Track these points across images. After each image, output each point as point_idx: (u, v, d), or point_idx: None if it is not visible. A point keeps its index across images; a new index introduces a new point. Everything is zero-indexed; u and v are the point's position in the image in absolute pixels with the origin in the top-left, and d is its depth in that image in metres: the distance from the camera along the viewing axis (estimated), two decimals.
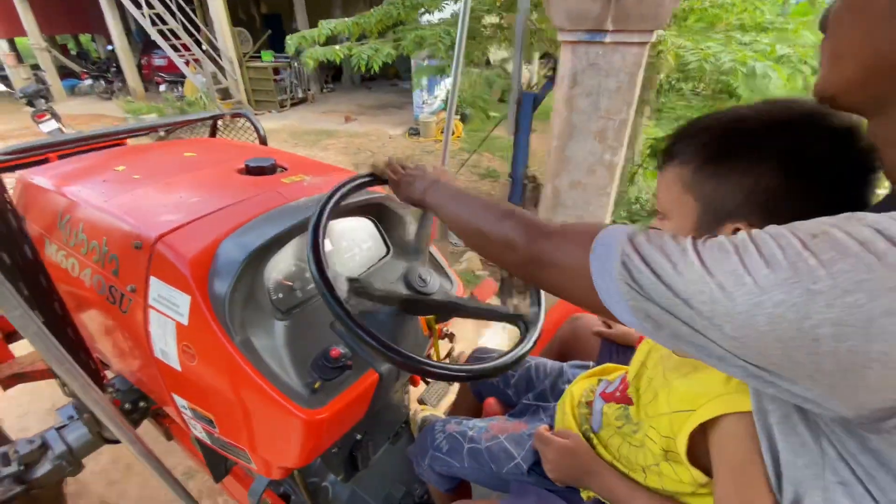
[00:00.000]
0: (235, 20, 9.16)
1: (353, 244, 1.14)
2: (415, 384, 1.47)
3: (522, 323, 0.86)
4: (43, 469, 1.21)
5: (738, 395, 0.56)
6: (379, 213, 1.20)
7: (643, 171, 3.70)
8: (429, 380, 1.61)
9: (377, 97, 10.90)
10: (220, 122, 1.96)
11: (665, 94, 3.57)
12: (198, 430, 1.01)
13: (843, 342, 0.34)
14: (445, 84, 8.13)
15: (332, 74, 12.10)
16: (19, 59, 10.66)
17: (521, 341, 0.85)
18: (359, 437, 1.17)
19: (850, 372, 0.35)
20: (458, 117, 7.41)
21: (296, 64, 9.77)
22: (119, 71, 10.86)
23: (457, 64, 1.63)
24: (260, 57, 9.55)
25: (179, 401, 0.97)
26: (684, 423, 0.62)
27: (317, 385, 0.85)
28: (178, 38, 8.38)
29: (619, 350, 1.12)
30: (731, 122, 0.55)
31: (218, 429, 0.94)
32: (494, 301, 2.96)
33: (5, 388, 1.51)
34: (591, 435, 0.85)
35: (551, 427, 0.94)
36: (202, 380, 0.90)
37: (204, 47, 8.59)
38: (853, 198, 0.50)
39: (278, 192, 1.08)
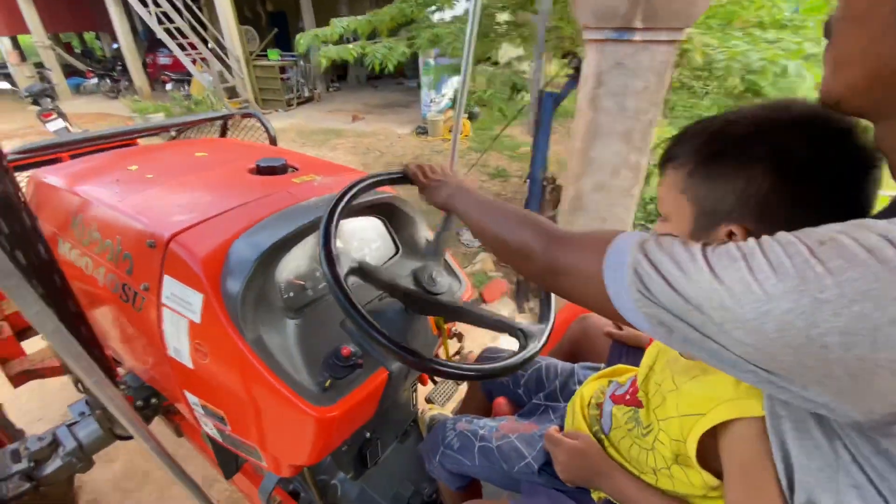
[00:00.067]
0: (241, 18, 9.24)
1: (363, 243, 1.16)
2: (423, 383, 1.49)
3: (522, 334, 0.86)
4: (53, 466, 1.24)
5: (748, 399, 0.57)
6: (388, 213, 1.22)
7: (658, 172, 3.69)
8: (437, 379, 1.63)
9: (383, 96, 10.95)
10: (229, 122, 2.00)
11: (675, 91, 3.55)
12: (209, 428, 1.03)
13: (851, 350, 0.35)
14: (451, 82, 8.15)
15: (337, 73, 12.17)
16: (22, 56, 10.76)
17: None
18: (368, 435, 1.19)
19: (859, 378, 0.35)
20: (466, 116, 7.42)
21: (302, 62, 9.84)
22: (125, 69, 10.97)
23: (466, 62, 1.65)
24: (266, 55, 9.62)
25: (191, 398, 1.00)
26: (694, 426, 0.62)
27: (328, 383, 0.87)
28: (184, 36, 8.46)
29: (630, 351, 1.13)
30: (723, 126, 0.56)
31: (229, 426, 0.96)
32: (507, 302, 2.98)
33: (17, 384, 1.55)
34: (602, 436, 0.85)
35: (561, 427, 0.95)
36: (214, 377, 0.92)
37: (210, 46, 8.67)
38: (852, 200, 0.51)
39: (289, 191, 1.10)
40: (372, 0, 10.81)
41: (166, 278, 0.94)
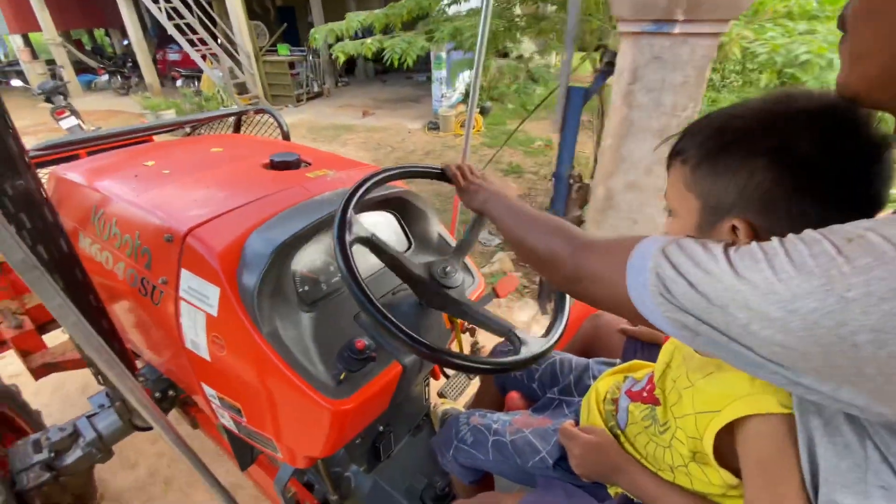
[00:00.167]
0: (250, 13, 9.33)
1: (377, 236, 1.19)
2: (435, 377, 1.52)
3: (517, 338, 0.85)
4: (73, 456, 1.29)
5: (763, 395, 0.58)
6: (401, 208, 1.24)
7: None
8: (449, 373, 1.65)
9: (393, 90, 10.99)
10: (242, 119, 2.04)
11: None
12: (225, 419, 1.07)
13: (883, 348, 0.34)
14: (462, 77, 8.14)
15: (345, 68, 12.24)
16: (34, 54, 10.98)
17: (546, 335, 0.88)
18: (381, 428, 1.22)
19: (894, 376, 0.35)
20: (478, 110, 7.41)
21: (311, 57, 9.91)
22: (135, 66, 11.15)
23: (479, 56, 1.67)
24: (276, 51, 9.71)
25: (208, 390, 1.03)
26: (709, 423, 0.63)
27: (342, 376, 0.89)
28: (194, 32, 8.56)
29: (644, 347, 1.14)
30: (727, 119, 0.57)
31: (245, 418, 1.00)
32: (530, 303, 2.98)
33: (38, 377, 1.62)
34: (618, 432, 0.86)
35: (576, 422, 0.96)
36: (231, 370, 0.95)
37: (220, 41, 8.75)
38: (860, 194, 0.50)
39: (303, 186, 1.13)
40: None
41: (184, 272, 0.97)
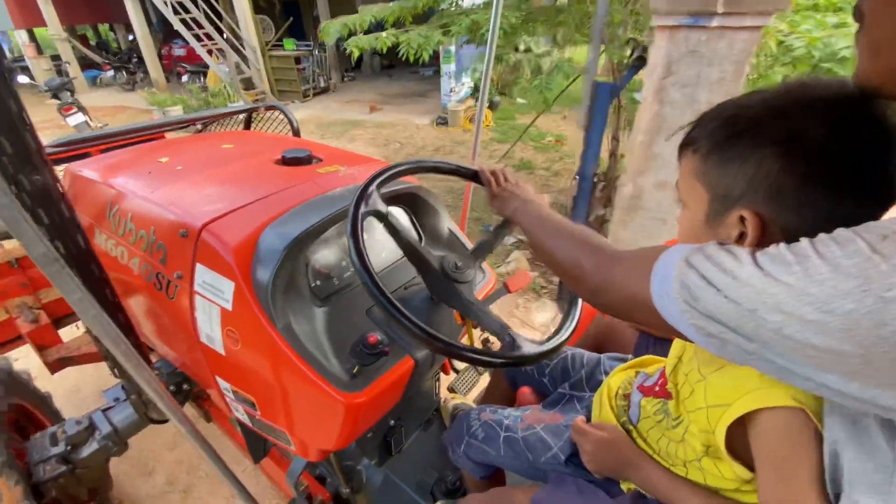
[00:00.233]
0: (256, 7, 9.37)
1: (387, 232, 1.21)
2: (446, 372, 1.54)
3: (509, 337, 0.86)
4: (89, 449, 1.33)
5: (774, 389, 0.58)
6: (412, 203, 1.26)
7: None
8: (459, 368, 1.68)
9: (400, 85, 11.00)
10: (253, 115, 2.08)
11: None
12: (240, 413, 1.09)
13: None
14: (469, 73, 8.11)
15: (352, 63, 12.26)
16: (39, 50, 11.07)
17: (559, 330, 0.90)
18: (392, 422, 1.25)
19: None
20: (487, 105, 7.39)
21: (317, 52, 9.94)
22: (140, 61, 11.23)
23: (490, 51, 1.68)
24: (282, 45, 9.74)
25: (223, 384, 1.06)
26: (721, 417, 0.64)
27: (356, 370, 0.91)
28: (200, 26, 8.60)
29: (656, 342, 1.15)
30: (738, 109, 0.57)
31: (259, 411, 1.02)
32: (549, 304, 2.99)
33: (53, 371, 1.66)
34: (630, 427, 0.87)
35: (588, 418, 0.97)
36: (245, 363, 0.98)
37: (226, 36, 8.79)
38: (875, 183, 0.49)
39: (315, 182, 1.15)
40: None
41: (198, 267, 1.00)
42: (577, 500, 0.89)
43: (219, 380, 1.06)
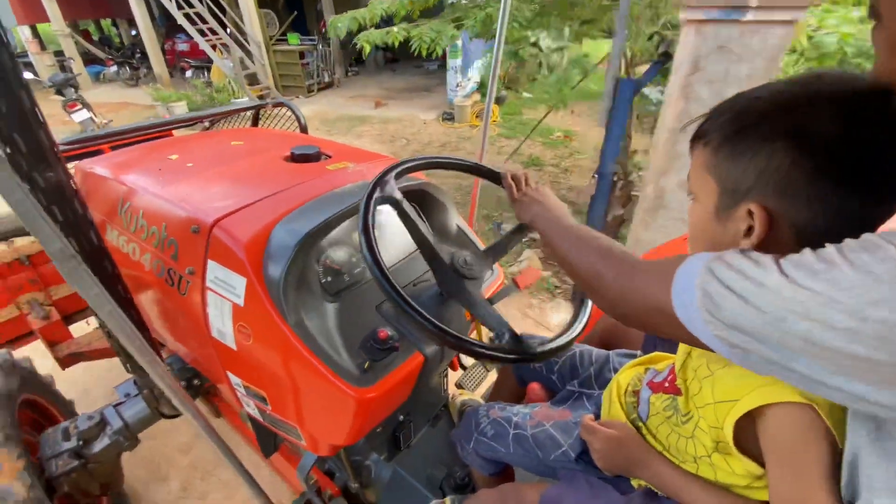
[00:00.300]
0: (259, 2, 9.38)
1: (396, 229, 1.23)
2: (454, 368, 1.56)
3: (509, 334, 0.87)
4: (101, 444, 1.36)
5: (782, 385, 0.58)
6: (421, 200, 1.28)
7: None
8: (467, 365, 1.70)
9: (405, 80, 11.01)
10: (260, 112, 2.11)
11: None
12: (250, 408, 1.12)
13: None
14: (476, 65, 8.08)
15: (355, 57, 12.26)
16: (42, 45, 11.11)
17: (570, 326, 0.91)
18: (401, 418, 1.27)
19: None
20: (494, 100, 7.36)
21: (321, 46, 9.94)
22: (143, 56, 11.28)
23: (498, 46, 1.69)
24: (286, 40, 9.75)
25: (234, 379, 1.08)
26: (729, 412, 0.64)
27: (366, 365, 0.93)
28: (204, 21, 8.62)
29: (665, 339, 1.16)
30: (749, 102, 0.57)
31: (270, 406, 1.05)
32: (564, 305, 2.99)
33: (64, 366, 1.70)
34: (640, 424, 0.88)
35: (597, 415, 0.98)
36: (257, 359, 1.00)
37: (230, 31, 8.81)
38: (888, 179, 0.49)
39: (325, 179, 1.18)
40: None
41: (210, 263, 1.02)
42: (587, 497, 0.90)
43: (230, 375, 1.09)
